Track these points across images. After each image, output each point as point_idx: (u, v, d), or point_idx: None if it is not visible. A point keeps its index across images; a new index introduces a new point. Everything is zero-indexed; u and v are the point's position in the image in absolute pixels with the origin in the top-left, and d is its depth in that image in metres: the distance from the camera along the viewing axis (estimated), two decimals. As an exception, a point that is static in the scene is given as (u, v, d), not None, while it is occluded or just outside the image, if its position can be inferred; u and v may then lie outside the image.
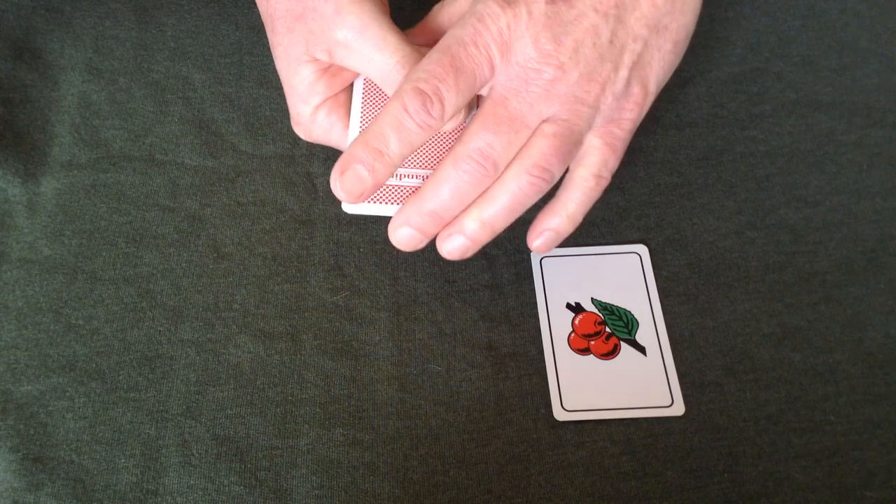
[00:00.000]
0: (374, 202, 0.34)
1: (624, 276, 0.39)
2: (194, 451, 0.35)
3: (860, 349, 0.37)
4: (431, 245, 0.37)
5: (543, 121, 0.32)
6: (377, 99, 0.37)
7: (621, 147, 0.34)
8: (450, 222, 0.33)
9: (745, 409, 0.36)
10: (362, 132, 0.32)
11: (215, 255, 0.39)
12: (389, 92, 0.35)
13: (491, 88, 0.32)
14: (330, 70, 0.36)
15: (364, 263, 0.39)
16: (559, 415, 0.35)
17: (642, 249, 0.40)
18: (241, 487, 0.34)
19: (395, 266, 0.39)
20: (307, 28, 0.35)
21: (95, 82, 0.44)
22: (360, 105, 0.37)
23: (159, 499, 0.33)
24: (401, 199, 0.34)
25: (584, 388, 0.36)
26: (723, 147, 0.43)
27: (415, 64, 0.33)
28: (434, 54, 0.31)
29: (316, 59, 0.36)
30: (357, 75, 0.37)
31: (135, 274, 0.39)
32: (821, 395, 0.36)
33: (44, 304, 0.38)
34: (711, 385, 0.36)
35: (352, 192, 0.32)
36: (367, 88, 0.37)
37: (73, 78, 0.44)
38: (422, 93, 0.30)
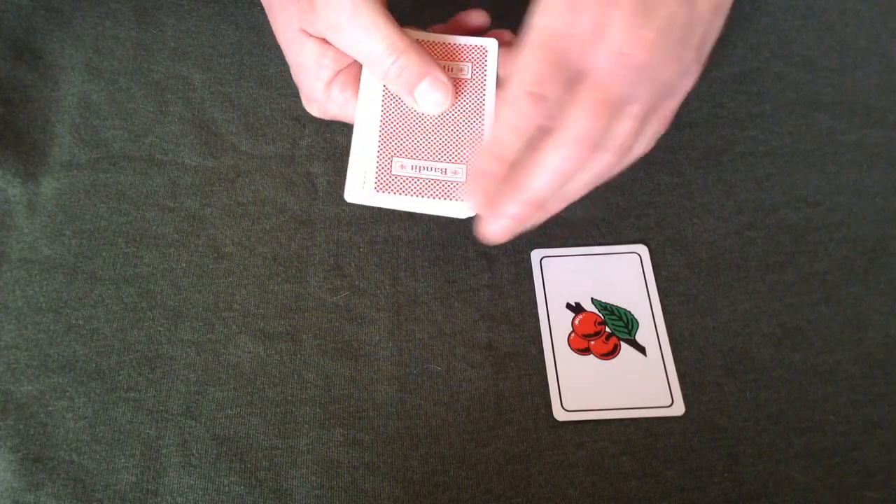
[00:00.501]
0: (393, 193, 0.34)
1: (624, 276, 0.39)
2: (194, 451, 0.35)
3: (860, 349, 0.37)
4: (431, 245, 0.37)
5: (629, 103, 0.32)
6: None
7: (671, 117, 0.36)
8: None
9: (745, 409, 0.36)
10: (490, 144, 0.32)
11: (215, 255, 0.39)
12: (378, 76, 0.35)
13: (583, 74, 0.32)
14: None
15: (364, 263, 0.39)
16: (559, 415, 0.35)
17: (642, 249, 0.40)
18: (241, 487, 0.34)
19: (395, 266, 0.39)
20: (299, 7, 0.35)
21: (95, 82, 0.44)
22: (381, 98, 0.36)
23: (159, 499, 0.33)
24: (419, 191, 0.34)
25: (584, 388, 0.36)
26: (723, 147, 0.43)
27: (404, 52, 0.34)
28: (534, 53, 0.32)
29: (314, 36, 0.36)
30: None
31: (135, 274, 0.39)
32: (821, 395, 0.36)
33: (44, 304, 0.38)
34: (711, 385, 0.36)
35: (507, 230, 0.33)
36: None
37: (73, 78, 0.44)
38: (535, 96, 0.31)
